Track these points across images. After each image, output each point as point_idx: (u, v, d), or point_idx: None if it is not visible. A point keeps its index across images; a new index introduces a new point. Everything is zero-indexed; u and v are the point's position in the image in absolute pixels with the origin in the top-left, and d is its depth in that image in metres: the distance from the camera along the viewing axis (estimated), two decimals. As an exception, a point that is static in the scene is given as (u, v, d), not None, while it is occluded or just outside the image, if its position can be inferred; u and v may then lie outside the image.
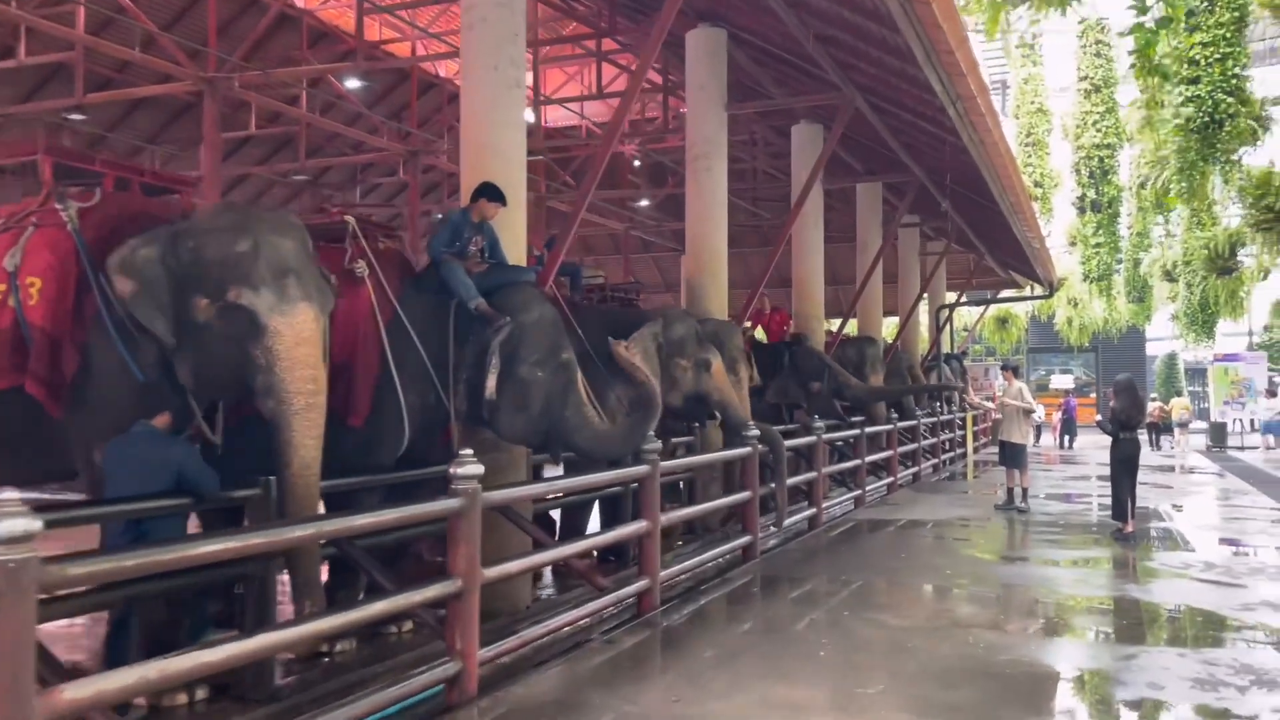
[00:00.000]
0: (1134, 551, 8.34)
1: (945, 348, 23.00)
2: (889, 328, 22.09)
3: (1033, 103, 17.18)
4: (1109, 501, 9.22)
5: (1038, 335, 34.27)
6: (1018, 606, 6.15)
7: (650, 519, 5.92)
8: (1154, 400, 24.10)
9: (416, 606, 4.17)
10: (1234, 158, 11.50)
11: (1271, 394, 23.10)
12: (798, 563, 7.69)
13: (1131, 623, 5.89)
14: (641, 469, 5.92)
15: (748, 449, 7.85)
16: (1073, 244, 23.02)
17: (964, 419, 19.64)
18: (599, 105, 19.41)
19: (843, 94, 9.70)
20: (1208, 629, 5.74)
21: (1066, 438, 23.34)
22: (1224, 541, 9.09)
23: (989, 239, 17.59)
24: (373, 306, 5.49)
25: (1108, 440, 9.15)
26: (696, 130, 10.03)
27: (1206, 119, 11.53)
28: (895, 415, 13.43)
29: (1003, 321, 28.88)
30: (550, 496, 6.27)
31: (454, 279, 5.64)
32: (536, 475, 7.13)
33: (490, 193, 6.02)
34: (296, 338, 4.35)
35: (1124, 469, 8.87)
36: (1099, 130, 15.90)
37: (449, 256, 5.79)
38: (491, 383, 5.45)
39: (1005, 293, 23.97)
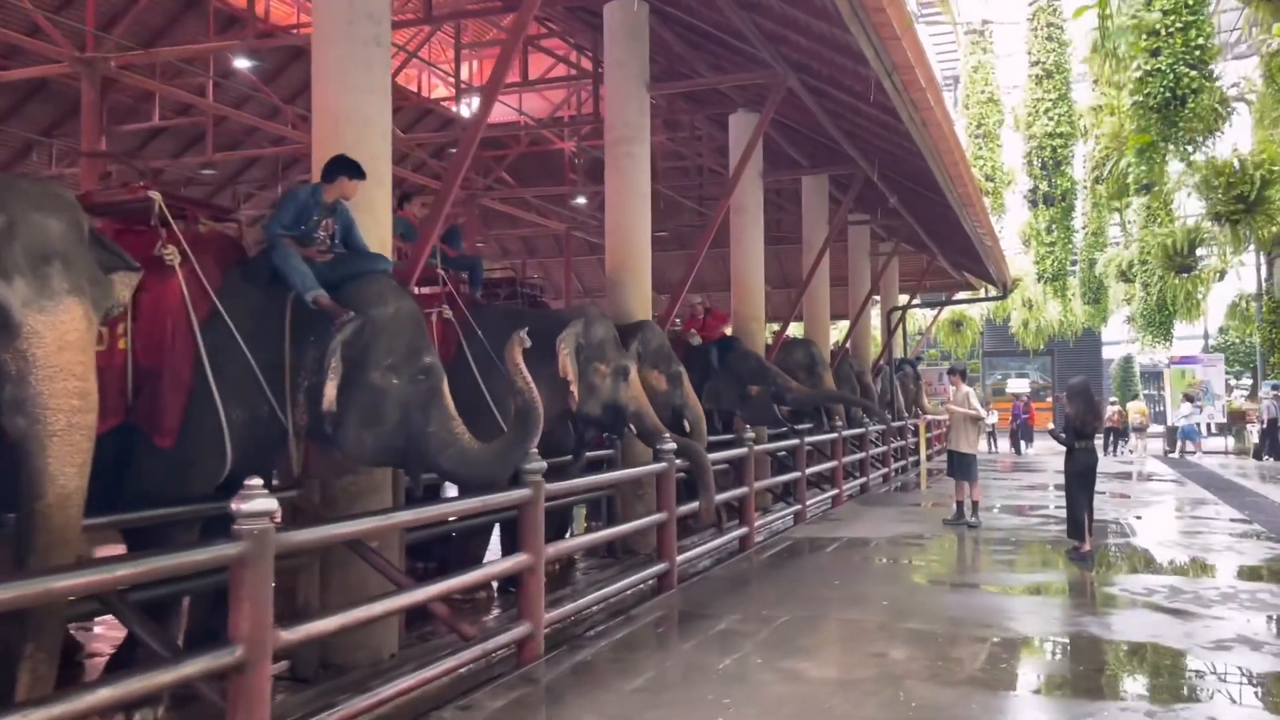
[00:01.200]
0: (1092, 573, 7.57)
1: (899, 352, 22.37)
2: (840, 331, 21.38)
3: (983, 92, 16.37)
4: (1065, 514, 8.44)
5: (993, 339, 33.82)
6: (961, 648, 5.31)
7: (531, 552, 5.00)
8: (1113, 404, 23.64)
9: (182, 682, 3.23)
10: (1197, 139, 10.77)
11: (1189, 399, 23.03)
12: (718, 594, 6.80)
13: (1090, 669, 5.06)
14: (519, 493, 5.00)
15: (661, 465, 6.97)
16: (1026, 243, 22.40)
17: (916, 425, 18.99)
18: (538, 100, 18.54)
19: (774, 72, 8.87)
20: (1178, 676, 4.94)
21: (1022, 443, 22.88)
22: (1189, 560, 8.34)
23: (940, 237, 16.91)
24: (184, 301, 4.54)
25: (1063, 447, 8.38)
26: (616, 112, 9.15)
27: (1168, 94, 10.75)
28: (841, 423, 12.65)
29: (957, 325, 28.27)
30: (397, 529, 5.28)
31: (288, 265, 4.70)
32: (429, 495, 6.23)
33: (349, 168, 5.07)
34: (60, 341, 3.38)
35: (1080, 482, 8.10)
36: (1051, 118, 15.09)
37: (287, 240, 4.85)
38: (331, 391, 4.51)
39: (959, 295, 23.36)
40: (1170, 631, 5.63)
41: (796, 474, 10.72)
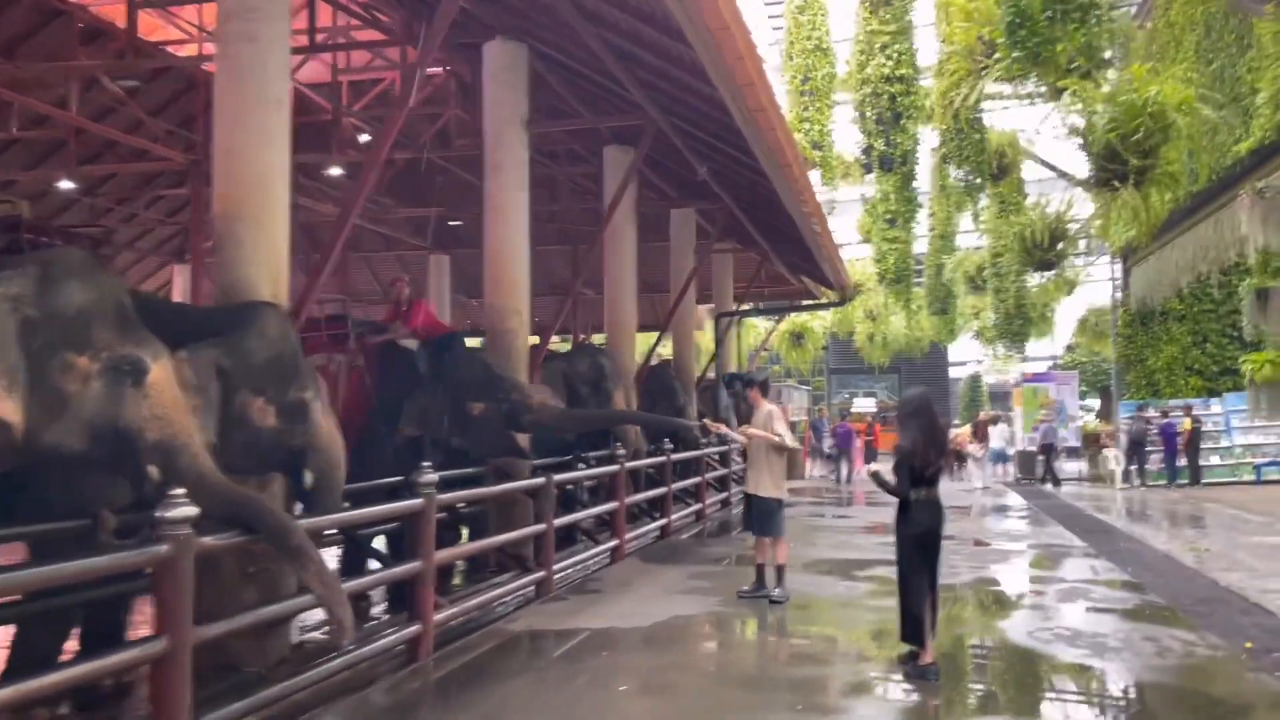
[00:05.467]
0: (938, 702, 4.70)
1: (733, 366, 19.73)
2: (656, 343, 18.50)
3: (810, 39, 13.53)
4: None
5: (839, 354, 31.83)
6: None
7: None
8: (956, 426, 21.72)
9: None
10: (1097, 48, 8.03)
11: (995, 423, 21.89)
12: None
13: None
14: None
15: (156, 551, 3.68)
16: (866, 239, 20.03)
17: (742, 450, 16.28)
18: (316, 64, 14.95)
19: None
20: None
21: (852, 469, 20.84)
22: (1083, 673, 5.52)
23: (765, 225, 14.19)
24: None
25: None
26: (227, -28, 5.85)
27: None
28: (625, 452, 9.62)
29: (798, 338, 25.88)
30: None
31: None
32: None
33: None
34: None
35: (919, 554, 5.21)
36: (890, 56, 12.32)
37: None
38: None
39: (799, 303, 20.89)
40: None
41: (539, 527, 7.61)
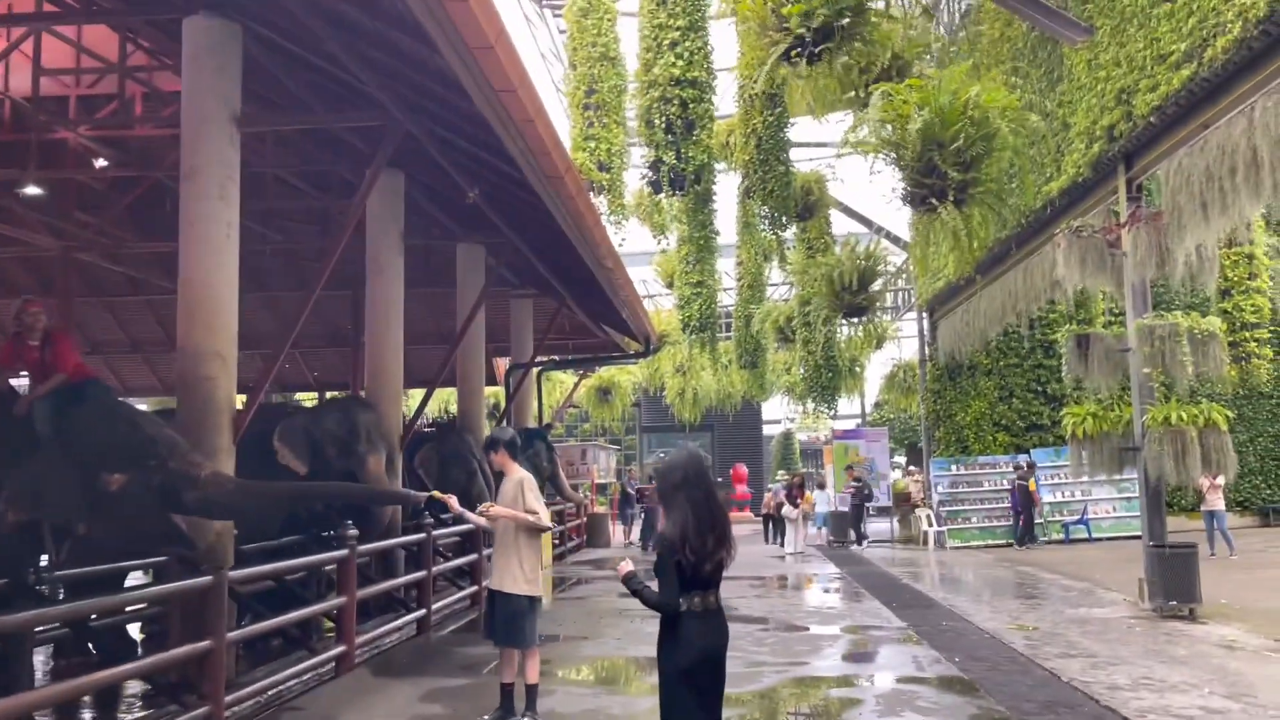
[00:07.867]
0: None
1: (531, 421, 17.97)
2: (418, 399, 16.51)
3: (595, 46, 12.04)
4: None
5: (650, 411, 30.58)
6: None
7: None
8: (770, 489, 20.67)
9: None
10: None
11: (821, 486, 21.81)
12: None
13: None
14: None
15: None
16: (669, 284, 18.88)
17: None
18: (51, 83, 12.36)
19: None
20: None
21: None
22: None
23: (555, 263, 12.60)
24: None
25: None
26: None
27: None
28: (354, 532, 7.62)
29: (605, 393, 24.42)
30: None
31: None
32: None
33: None
34: None
35: (692, 695, 3.55)
36: (680, 55, 10.85)
37: None
38: None
39: (602, 355, 19.40)
40: None
41: (201, 645, 5.51)
